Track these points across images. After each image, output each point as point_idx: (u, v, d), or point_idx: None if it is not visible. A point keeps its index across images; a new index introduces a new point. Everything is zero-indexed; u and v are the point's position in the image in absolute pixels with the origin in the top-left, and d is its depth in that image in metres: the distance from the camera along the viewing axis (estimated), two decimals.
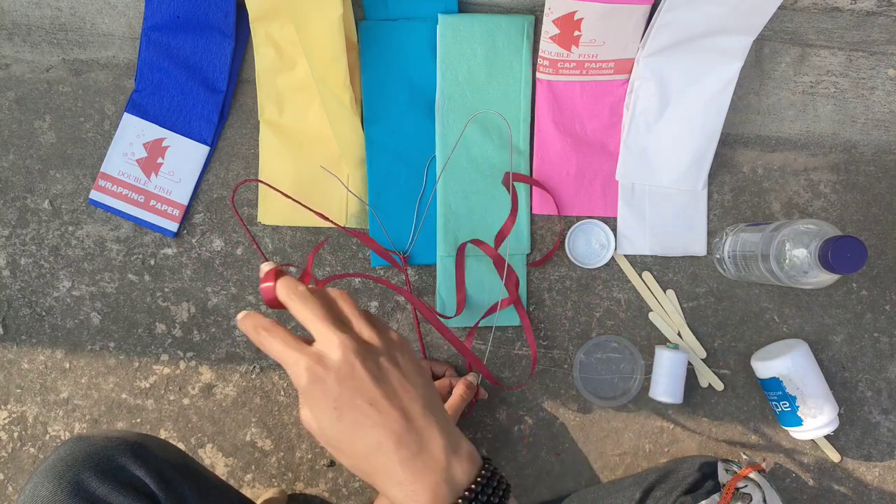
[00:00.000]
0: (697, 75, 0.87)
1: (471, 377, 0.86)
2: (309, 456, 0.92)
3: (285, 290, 0.51)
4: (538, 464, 0.92)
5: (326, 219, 0.88)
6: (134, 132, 0.91)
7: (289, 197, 0.87)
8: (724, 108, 0.88)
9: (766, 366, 0.87)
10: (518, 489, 0.92)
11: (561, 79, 0.89)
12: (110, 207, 0.91)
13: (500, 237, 0.87)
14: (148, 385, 0.92)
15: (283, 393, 0.92)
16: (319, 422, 0.47)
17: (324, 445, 0.48)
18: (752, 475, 0.74)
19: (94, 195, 0.91)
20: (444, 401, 0.84)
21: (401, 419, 0.47)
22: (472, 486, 0.48)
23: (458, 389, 0.84)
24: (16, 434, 0.92)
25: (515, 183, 0.89)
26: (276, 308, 0.52)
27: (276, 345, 0.48)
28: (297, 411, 0.55)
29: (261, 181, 0.88)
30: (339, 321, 0.49)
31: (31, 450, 0.92)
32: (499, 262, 0.87)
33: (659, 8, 0.81)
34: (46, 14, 0.90)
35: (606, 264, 0.92)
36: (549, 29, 0.83)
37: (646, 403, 0.92)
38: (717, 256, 0.90)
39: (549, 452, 0.92)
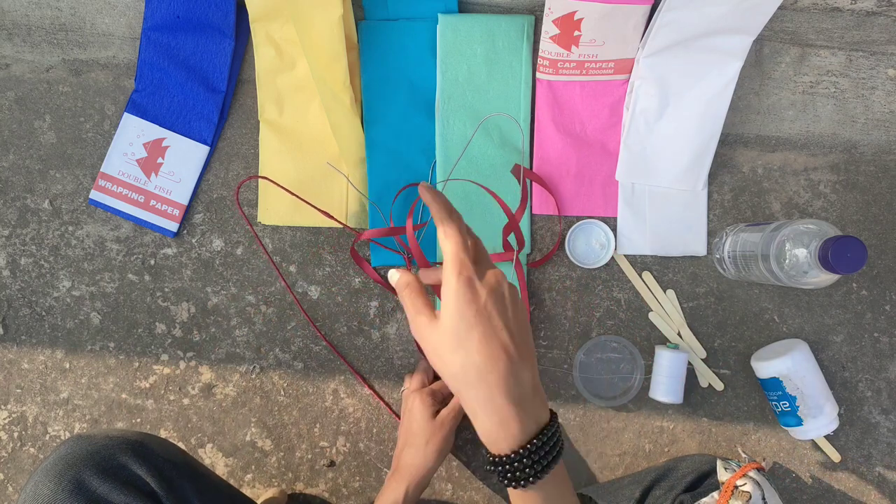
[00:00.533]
0: (697, 75, 0.87)
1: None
2: (309, 456, 0.92)
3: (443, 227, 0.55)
4: None
5: (331, 217, 0.88)
6: (134, 132, 0.91)
7: (294, 194, 0.87)
8: (724, 108, 0.88)
9: (766, 366, 0.87)
10: None
11: (561, 79, 0.89)
12: (110, 207, 0.91)
13: (508, 229, 0.88)
14: (148, 385, 0.92)
15: (283, 393, 0.92)
16: (454, 323, 0.52)
17: (436, 346, 0.53)
18: (751, 473, 0.74)
19: (94, 195, 0.91)
20: (446, 401, 0.85)
21: (517, 349, 0.53)
22: (546, 429, 0.53)
23: None
24: (16, 434, 0.92)
25: (517, 181, 0.89)
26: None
27: (453, 245, 0.54)
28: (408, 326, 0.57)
29: (266, 178, 0.88)
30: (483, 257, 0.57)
31: (31, 450, 0.92)
32: (508, 254, 0.87)
33: (659, 8, 0.81)
34: (46, 14, 0.90)
35: (606, 264, 0.92)
36: (549, 29, 0.83)
37: (646, 403, 0.92)
38: (717, 256, 0.90)
39: None
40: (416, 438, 0.80)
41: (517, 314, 0.54)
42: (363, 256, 0.92)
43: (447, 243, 0.54)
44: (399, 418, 0.91)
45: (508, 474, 0.52)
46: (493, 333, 0.52)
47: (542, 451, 0.53)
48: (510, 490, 0.54)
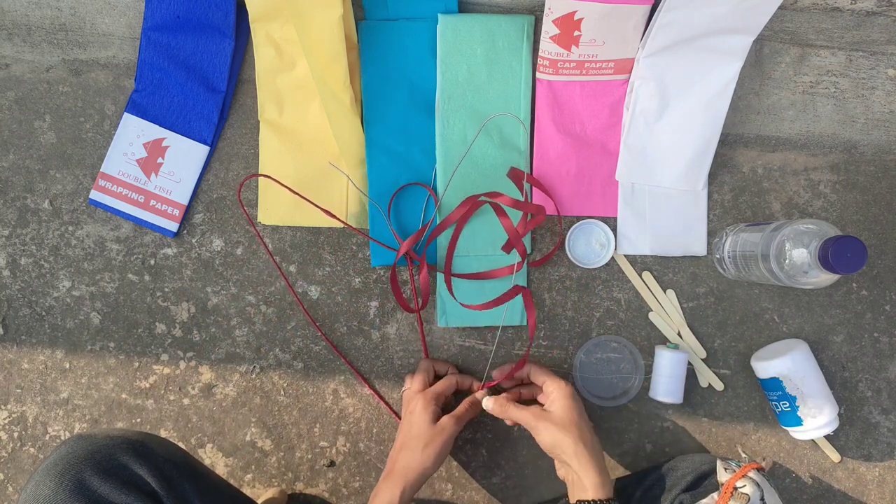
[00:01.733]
0: (697, 75, 0.87)
1: (479, 395, 0.86)
2: (309, 456, 0.92)
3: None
4: (538, 464, 0.92)
5: (333, 216, 0.88)
6: (134, 132, 0.91)
7: (295, 193, 0.87)
8: (724, 108, 0.88)
9: (766, 366, 0.87)
10: (518, 489, 0.92)
11: (561, 79, 0.89)
12: (110, 207, 0.91)
13: (509, 245, 0.88)
14: (148, 385, 0.92)
15: (282, 393, 0.92)
16: (579, 411, 0.80)
17: (568, 421, 0.79)
18: (751, 474, 0.74)
19: (94, 195, 0.91)
20: (448, 404, 0.85)
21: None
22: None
23: (467, 401, 0.85)
24: (16, 434, 0.92)
25: (515, 183, 0.89)
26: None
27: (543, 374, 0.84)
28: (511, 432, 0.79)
29: (268, 176, 0.88)
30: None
31: (31, 450, 0.92)
32: (514, 237, 0.87)
33: (659, 8, 0.81)
34: (46, 14, 0.90)
35: (606, 264, 0.92)
36: (549, 29, 0.83)
37: (646, 403, 0.92)
38: (717, 256, 0.90)
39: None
40: (415, 441, 0.80)
41: None
42: (364, 256, 0.92)
43: (543, 377, 0.83)
44: (399, 418, 0.91)
45: None
46: (588, 425, 0.80)
47: None
48: None
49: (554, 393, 0.80)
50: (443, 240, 0.90)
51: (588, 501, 0.75)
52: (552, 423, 0.78)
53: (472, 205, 0.88)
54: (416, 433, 0.80)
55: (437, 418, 0.81)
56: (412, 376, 0.87)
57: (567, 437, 0.77)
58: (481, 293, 0.90)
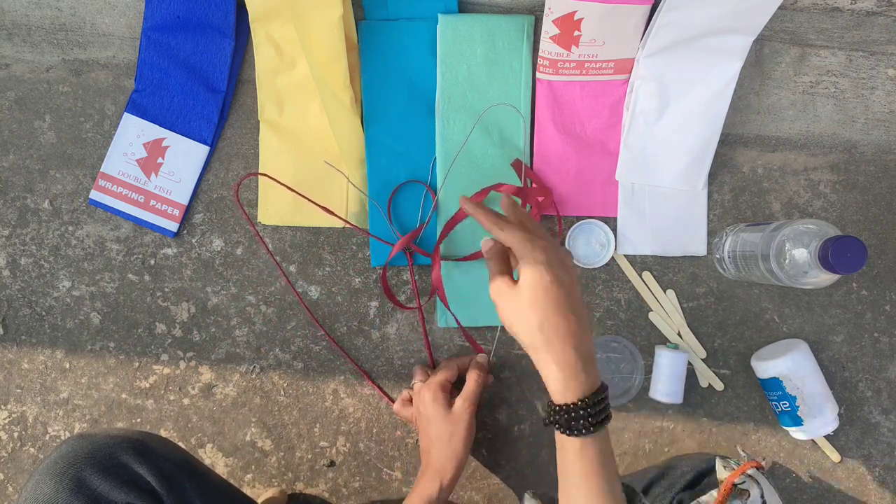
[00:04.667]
0: (697, 75, 0.87)
1: (480, 358, 0.86)
2: (309, 456, 0.92)
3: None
4: (538, 464, 0.92)
5: (332, 213, 0.88)
6: (134, 132, 0.91)
7: (294, 191, 0.87)
8: (724, 108, 0.88)
9: (766, 366, 0.87)
10: (518, 489, 0.92)
11: (561, 79, 0.89)
12: (110, 207, 0.91)
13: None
14: (148, 385, 0.92)
15: (282, 393, 0.92)
16: (532, 289, 0.62)
17: (516, 307, 0.63)
18: (750, 472, 0.74)
19: (94, 195, 0.91)
20: (451, 385, 0.84)
21: (580, 316, 0.63)
22: (600, 390, 0.62)
23: (472, 375, 0.84)
24: (16, 434, 0.92)
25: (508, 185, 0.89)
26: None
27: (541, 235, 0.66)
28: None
29: (266, 175, 0.88)
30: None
31: (31, 450, 0.92)
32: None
33: (659, 8, 0.81)
34: (46, 14, 0.90)
35: (606, 264, 0.92)
36: (549, 29, 0.83)
37: (646, 403, 0.92)
38: (717, 256, 0.90)
39: (549, 452, 0.92)
40: (440, 438, 0.80)
41: (576, 289, 0.64)
42: (364, 256, 0.92)
43: (512, 239, 0.64)
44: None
45: (572, 422, 0.60)
46: (565, 300, 0.61)
47: (598, 406, 0.60)
48: (567, 446, 0.62)
49: (522, 264, 0.63)
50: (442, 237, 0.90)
51: (553, 408, 0.61)
52: (510, 302, 0.63)
53: (481, 195, 0.88)
54: (437, 428, 0.80)
55: (450, 405, 0.81)
56: (421, 372, 0.87)
57: (522, 325, 0.62)
58: (482, 286, 0.90)
